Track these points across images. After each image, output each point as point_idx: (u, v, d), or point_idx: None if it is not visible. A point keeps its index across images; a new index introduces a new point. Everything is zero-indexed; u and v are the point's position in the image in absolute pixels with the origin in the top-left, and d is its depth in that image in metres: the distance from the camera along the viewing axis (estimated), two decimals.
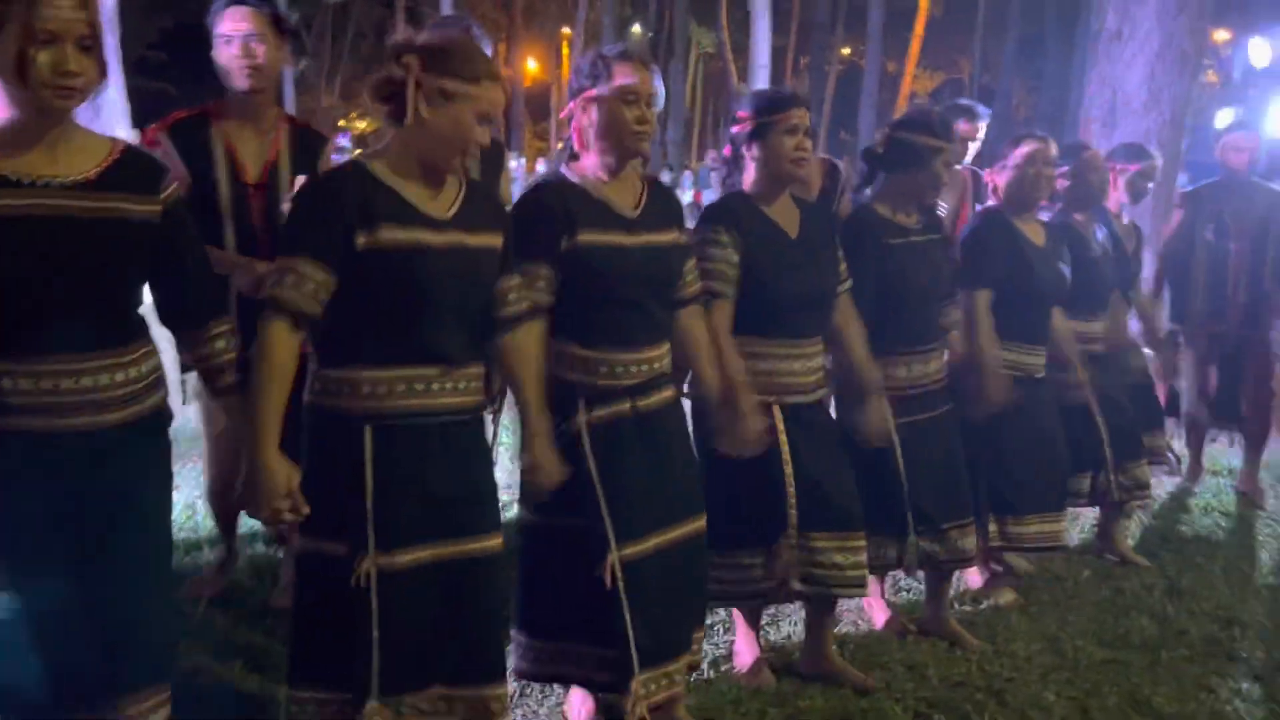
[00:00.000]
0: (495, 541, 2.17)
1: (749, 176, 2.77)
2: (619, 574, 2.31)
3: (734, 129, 2.78)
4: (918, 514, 3.04)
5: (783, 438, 2.70)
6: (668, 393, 2.49)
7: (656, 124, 2.39)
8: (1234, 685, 3.00)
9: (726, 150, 2.84)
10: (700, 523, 2.52)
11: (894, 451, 3.02)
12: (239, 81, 2.82)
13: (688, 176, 14.02)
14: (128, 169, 1.86)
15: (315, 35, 28.23)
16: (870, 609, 3.37)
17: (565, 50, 30.33)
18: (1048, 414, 3.52)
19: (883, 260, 3.00)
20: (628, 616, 2.32)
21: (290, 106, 23.17)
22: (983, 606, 3.51)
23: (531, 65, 31.59)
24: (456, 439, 2.11)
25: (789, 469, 2.70)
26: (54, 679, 1.79)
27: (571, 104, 2.38)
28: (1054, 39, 24.61)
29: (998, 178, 3.46)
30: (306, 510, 1.95)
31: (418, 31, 2.03)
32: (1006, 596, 3.57)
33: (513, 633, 2.50)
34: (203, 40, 2.88)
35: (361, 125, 27.00)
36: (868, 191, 3.15)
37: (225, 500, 3.12)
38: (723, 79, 28.24)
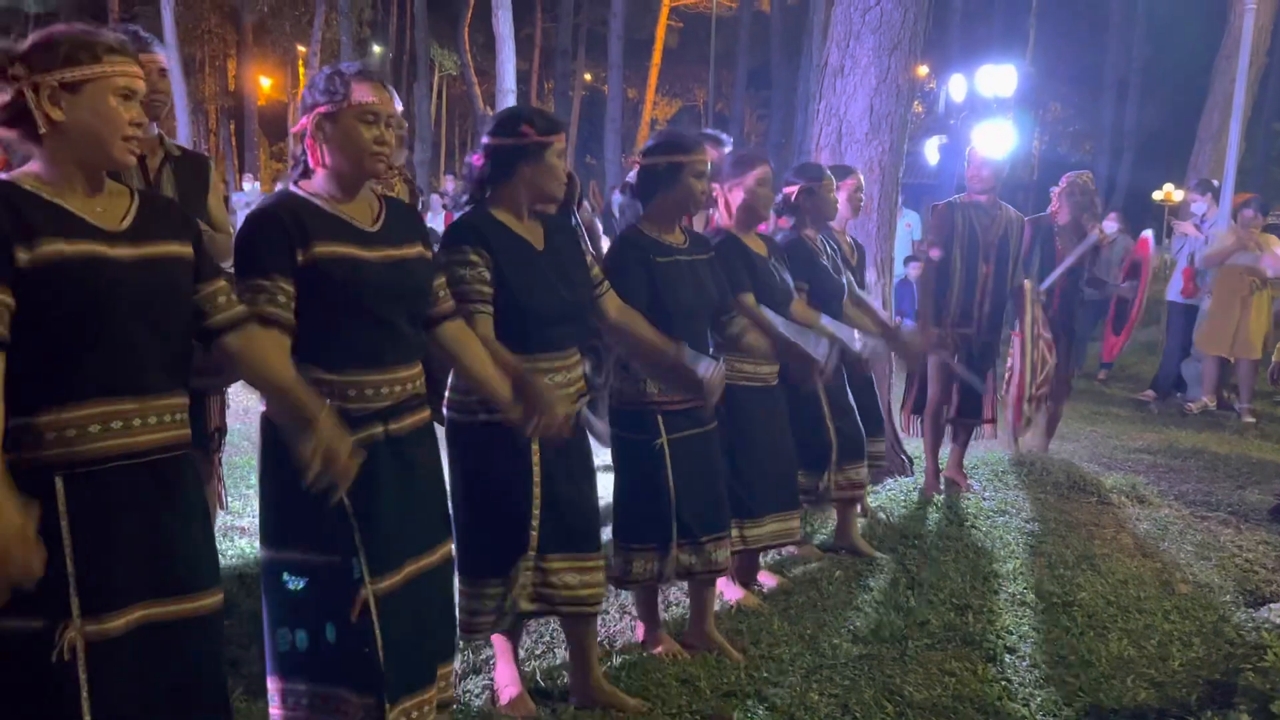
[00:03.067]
0: (216, 598, 1.98)
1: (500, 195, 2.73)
2: (373, 610, 2.21)
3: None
4: (681, 526, 3.12)
5: (535, 458, 2.67)
6: (421, 414, 2.40)
7: (394, 145, 2.30)
8: (972, 667, 3.26)
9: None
10: (448, 547, 2.46)
11: (665, 466, 3.08)
12: None
13: (436, 199, 13.77)
14: None
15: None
16: (640, 630, 3.40)
17: (301, 68, 29.16)
18: (780, 419, 3.72)
19: (651, 278, 3.06)
20: (381, 653, 2.22)
21: None
22: (734, 612, 3.62)
23: (265, 83, 30.12)
24: (166, 481, 1.89)
25: (537, 490, 2.68)
26: None
27: (304, 119, 2.25)
28: (779, 70, 26.28)
29: (729, 196, 3.62)
30: (40, 567, 1.65)
31: (16, 40, 1.83)
32: (751, 601, 3.71)
33: (268, 680, 2.33)
34: None
35: None
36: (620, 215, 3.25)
37: None
38: (468, 101, 28.08)
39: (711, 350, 3.33)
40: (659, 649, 3.26)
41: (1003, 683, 3.17)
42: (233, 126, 28.63)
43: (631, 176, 3.23)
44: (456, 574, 2.72)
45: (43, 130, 1.78)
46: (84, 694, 1.76)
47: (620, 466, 3.22)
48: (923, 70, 22.36)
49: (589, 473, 2.88)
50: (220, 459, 3.27)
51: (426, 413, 2.43)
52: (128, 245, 1.84)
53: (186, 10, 23.54)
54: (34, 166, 1.83)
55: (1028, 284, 5.33)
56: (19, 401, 1.74)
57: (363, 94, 2.20)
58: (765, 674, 3.13)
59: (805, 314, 3.80)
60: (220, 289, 2.01)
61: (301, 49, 28.28)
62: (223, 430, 3.15)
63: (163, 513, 1.89)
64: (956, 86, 17.98)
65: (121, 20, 22.99)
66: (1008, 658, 3.35)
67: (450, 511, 2.54)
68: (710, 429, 3.23)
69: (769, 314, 3.45)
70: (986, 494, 5.28)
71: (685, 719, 2.85)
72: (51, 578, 1.71)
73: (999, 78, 16.56)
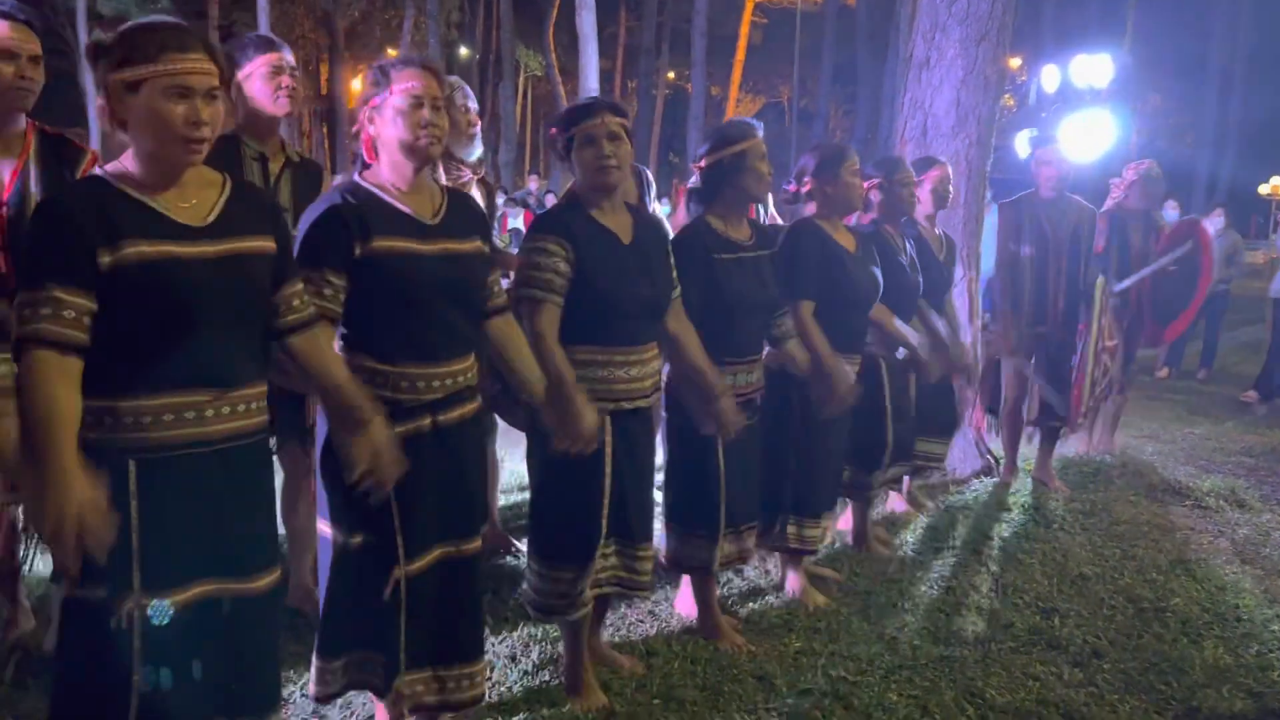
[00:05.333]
0: (272, 577, 2.06)
1: (580, 190, 2.78)
2: (402, 590, 2.31)
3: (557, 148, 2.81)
4: (728, 516, 3.18)
5: (608, 450, 2.71)
6: (470, 406, 2.44)
7: (445, 127, 2.35)
8: (1056, 671, 3.18)
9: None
10: (479, 541, 2.50)
11: (716, 457, 3.12)
12: (16, 102, 2.60)
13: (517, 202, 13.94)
14: None
15: None
16: (680, 608, 3.47)
17: None
18: (846, 421, 3.69)
19: (711, 273, 3.07)
20: (402, 623, 2.34)
21: (94, 128, 21.83)
22: (813, 609, 3.59)
23: (357, 87, 30.83)
24: (235, 467, 1.96)
25: (608, 482, 2.72)
26: None
27: (360, 116, 2.34)
28: (865, 65, 25.92)
29: (815, 189, 3.59)
30: (111, 535, 1.75)
31: (106, 31, 1.87)
32: (818, 599, 3.68)
33: (314, 659, 2.43)
34: None
35: None
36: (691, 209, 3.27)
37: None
38: (552, 101, 28.33)
39: (767, 346, 3.36)
40: (722, 639, 3.27)
41: (1090, 688, 3.08)
42: (325, 129, 29.38)
43: (695, 181, 3.24)
44: (528, 556, 2.82)
45: (115, 128, 1.86)
46: (135, 661, 1.85)
47: (674, 450, 3.25)
48: (1014, 62, 21.84)
49: (651, 467, 2.94)
50: (315, 454, 3.36)
51: (475, 404, 2.47)
52: (209, 242, 1.89)
53: (281, 15, 24.23)
54: (127, 159, 1.90)
55: (1100, 282, 5.17)
56: (102, 387, 1.83)
57: (403, 79, 2.27)
58: (843, 673, 3.10)
59: (881, 314, 3.78)
60: (296, 292, 2.07)
61: (391, 52, 28.88)
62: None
63: (228, 498, 1.95)
64: (1049, 77, 17.47)
65: (220, 28, 23.78)
66: (1095, 662, 3.25)
67: (485, 503, 2.65)
68: (754, 422, 3.26)
69: (817, 333, 3.41)
70: (1075, 496, 5.14)
71: (761, 716, 2.84)
72: (118, 552, 1.80)
73: (1094, 68, 16.05)
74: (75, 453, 1.74)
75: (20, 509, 2.82)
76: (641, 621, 3.46)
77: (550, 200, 11.60)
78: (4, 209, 2.59)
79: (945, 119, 5.32)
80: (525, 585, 2.87)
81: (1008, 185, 5.48)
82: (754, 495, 3.29)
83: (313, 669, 2.44)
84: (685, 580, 3.51)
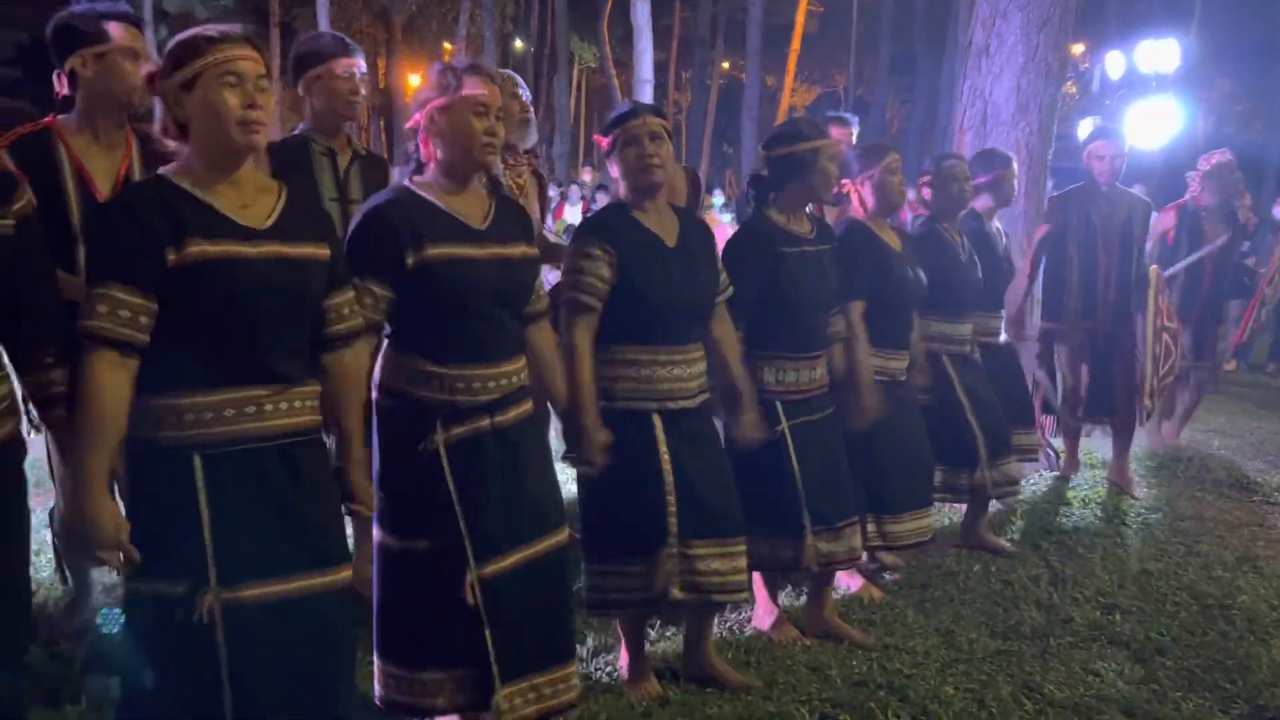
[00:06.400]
0: (344, 574, 2.08)
1: (623, 191, 2.81)
2: (478, 593, 2.28)
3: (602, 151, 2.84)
4: (814, 514, 3.10)
5: (662, 447, 2.71)
6: (526, 406, 2.46)
7: (503, 136, 2.38)
8: (1117, 667, 3.13)
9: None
10: (561, 536, 2.49)
11: (788, 453, 3.08)
12: (135, 98, 2.69)
13: (574, 191, 13.98)
14: None
15: None
16: (758, 613, 3.41)
17: None
18: (912, 414, 3.67)
19: (775, 268, 3.06)
20: (488, 634, 2.30)
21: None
22: (866, 603, 3.58)
23: (413, 81, 31.12)
24: (296, 463, 2.00)
25: (669, 478, 2.71)
26: None
27: (418, 114, 2.34)
28: (923, 55, 25.56)
29: (861, 189, 3.57)
30: (137, 558, 1.83)
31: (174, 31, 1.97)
32: (874, 592, 3.66)
33: (375, 659, 2.43)
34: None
35: None
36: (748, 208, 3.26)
37: None
38: (606, 93, 28.36)
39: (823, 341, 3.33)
40: (782, 635, 3.26)
41: (1151, 685, 3.03)
42: (383, 123, 29.70)
43: (768, 170, 3.22)
44: (584, 554, 2.80)
45: (173, 133, 1.93)
46: (222, 655, 1.89)
47: (740, 455, 3.19)
48: (1077, 48, 21.37)
49: (722, 457, 2.90)
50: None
51: (530, 404, 2.48)
52: (268, 243, 1.95)
53: (340, 11, 24.53)
54: (187, 162, 1.96)
55: (1154, 271, 5.06)
56: (164, 385, 1.89)
57: (474, 87, 2.29)
58: (899, 665, 3.08)
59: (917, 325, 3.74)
60: (346, 301, 2.12)
61: (447, 46, 29.09)
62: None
63: (291, 492, 1.99)
64: (1113, 63, 17.10)
65: (281, 24, 24.16)
66: (1157, 659, 3.20)
67: (559, 500, 2.58)
68: (829, 414, 3.23)
69: (863, 338, 3.37)
70: (1138, 490, 5.04)
71: (815, 707, 2.83)
72: (191, 547, 1.87)
73: (1160, 53, 15.67)
74: (108, 456, 1.81)
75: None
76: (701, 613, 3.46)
77: (602, 198, 11.61)
78: None
79: (1005, 107, 5.24)
80: (582, 582, 2.86)
81: (1070, 174, 5.38)
82: (843, 492, 3.21)
83: (376, 670, 2.42)
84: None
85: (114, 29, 2.65)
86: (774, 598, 3.35)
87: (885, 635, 3.31)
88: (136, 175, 2.72)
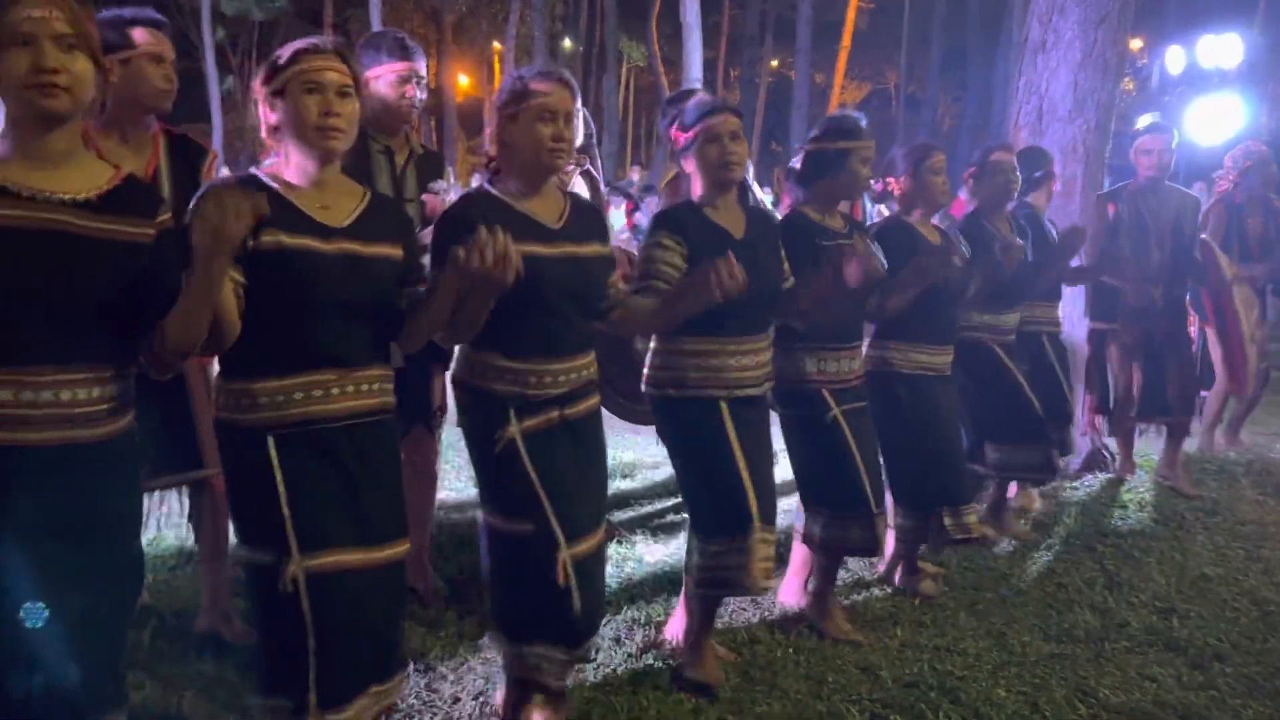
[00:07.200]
0: (404, 548, 2.22)
1: (694, 187, 2.86)
2: (570, 571, 2.38)
3: (674, 145, 2.87)
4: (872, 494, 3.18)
5: (731, 434, 2.76)
6: (593, 400, 2.57)
7: (574, 141, 2.44)
8: (1175, 673, 3.08)
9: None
10: (602, 533, 2.60)
11: (844, 436, 3.13)
12: (160, 102, 2.76)
13: (616, 197, 13.96)
14: (128, 193, 1.86)
15: (241, 54, 27.77)
16: (783, 597, 3.48)
17: (496, 65, 30.22)
18: (956, 412, 3.71)
19: (815, 260, 3.08)
20: (577, 606, 2.41)
21: (217, 126, 22.75)
22: (919, 602, 3.56)
23: (463, 80, 31.40)
24: (361, 443, 2.13)
25: (742, 464, 2.76)
26: (12, 703, 1.72)
27: (494, 123, 2.44)
28: (976, 50, 25.22)
29: (903, 186, 3.57)
30: (265, 210, 1.86)
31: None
32: (931, 590, 3.65)
33: (502, 637, 2.53)
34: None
35: None
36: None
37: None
38: (654, 92, 28.38)
39: (873, 336, 3.39)
40: (831, 626, 3.27)
41: (1210, 691, 2.98)
42: (433, 123, 30.00)
43: (796, 161, 3.27)
44: (691, 532, 2.89)
45: (266, 134, 2.08)
46: (309, 622, 2.04)
47: (797, 443, 3.26)
48: (1135, 43, 20.97)
49: (771, 454, 2.96)
50: (440, 435, 3.52)
51: (597, 399, 2.59)
52: (343, 241, 2.09)
53: (392, 12, 24.82)
54: (280, 167, 2.11)
55: (1228, 266, 4.94)
56: (241, 370, 2.04)
57: (541, 93, 2.37)
58: (950, 667, 3.06)
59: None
60: (419, 293, 2.23)
61: (497, 46, 29.31)
62: (443, 409, 3.38)
63: (357, 471, 2.12)
64: (1173, 59, 16.73)
65: (335, 25, 24.49)
66: (1216, 665, 3.14)
67: (606, 492, 2.70)
68: (864, 406, 3.26)
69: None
70: (1197, 494, 4.95)
71: (865, 707, 2.82)
72: (273, 520, 2.02)
73: (1222, 48, 15.32)
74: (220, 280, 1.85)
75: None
76: (744, 609, 3.47)
77: (651, 200, 11.60)
78: None
79: (1062, 103, 5.17)
80: (690, 561, 2.91)
81: (1127, 172, 5.29)
82: (880, 480, 3.28)
83: (503, 655, 2.55)
84: (790, 569, 3.51)
85: (139, 35, 2.71)
86: (710, 630, 3.19)
87: (937, 636, 3.29)
88: (164, 177, 2.78)
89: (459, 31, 29.51)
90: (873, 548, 3.21)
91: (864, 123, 3.25)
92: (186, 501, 3.13)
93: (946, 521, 3.53)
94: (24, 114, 1.74)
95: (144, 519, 2.10)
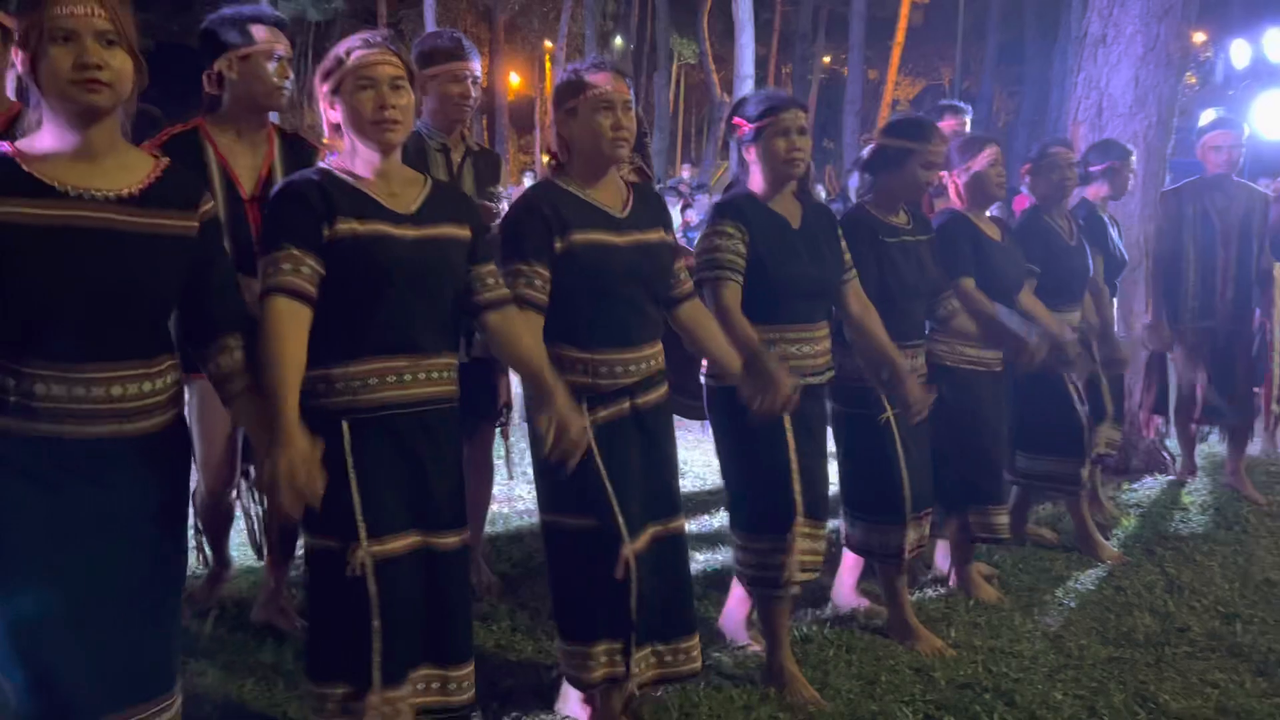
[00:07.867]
0: (465, 535, 2.27)
1: (754, 178, 2.86)
2: (632, 567, 2.38)
3: (737, 134, 2.87)
4: (914, 500, 3.15)
5: (786, 422, 2.76)
6: (662, 389, 2.57)
7: (634, 129, 2.45)
8: (1239, 679, 3.02)
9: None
10: (682, 520, 2.61)
11: (893, 440, 3.10)
12: (276, 99, 2.81)
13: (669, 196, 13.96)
14: (169, 185, 1.89)
15: (298, 55, 28.19)
16: (836, 597, 3.48)
17: (548, 64, 30.36)
18: (1005, 409, 3.67)
19: (878, 257, 3.10)
20: (633, 604, 2.41)
21: None
22: (973, 603, 3.53)
23: (514, 79, 31.58)
24: (432, 430, 2.17)
25: (793, 454, 2.77)
26: (64, 686, 1.77)
27: (554, 117, 2.47)
28: (1033, 45, 24.81)
29: (957, 179, 3.55)
30: (321, 487, 1.93)
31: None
32: (989, 593, 3.60)
33: (560, 644, 2.53)
34: (184, 61, 2.85)
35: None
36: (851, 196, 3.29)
37: (216, 511, 3.09)
38: (704, 89, 28.32)
39: (929, 331, 3.36)
40: (919, 642, 3.19)
41: (1275, 699, 2.91)
42: (485, 121, 30.22)
43: (866, 152, 3.26)
44: (731, 530, 2.91)
45: (329, 132, 2.15)
46: (374, 605, 2.06)
47: (846, 441, 3.25)
48: (1198, 37, 20.49)
49: (825, 447, 2.97)
50: (508, 431, 3.56)
51: (666, 388, 2.59)
52: (412, 226, 2.14)
53: (445, 12, 25.03)
54: (346, 157, 2.17)
55: (1278, 268, 4.82)
56: (317, 357, 2.06)
57: (598, 85, 2.39)
58: (1005, 669, 3.03)
59: (1030, 303, 3.69)
60: (490, 271, 2.28)
61: (548, 44, 29.45)
62: (510, 405, 3.42)
63: (426, 457, 2.16)
64: (1239, 52, 16.31)
65: (389, 24, 24.78)
66: None
67: (679, 483, 2.68)
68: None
69: (986, 301, 3.38)
70: (1262, 497, 4.84)
71: (919, 708, 2.80)
72: (341, 506, 2.05)
73: None
74: (297, 401, 1.95)
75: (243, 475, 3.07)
76: (796, 606, 3.46)
77: (701, 199, 11.59)
78: (255, 204, 2.78)
79: (1123, 99, 5.08)
80: (735, 559, 2.92)
81: (1190, 168, 5.18)
82: (929, 481, 3.25)
83: (563, 655, 2.52)
84: (843, 567, 3.50)
85: (257, 31, 2.77)
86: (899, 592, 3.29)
87: (991, 638, 3.25)
88: (278, 173, 2.83)
89: (511, 30, 29.67)
90: (899, 555, 3.15)
91: (934, 128, 3.22)
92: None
93: (972, 520, 3.50)
94: (66, 110, 1.76)
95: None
